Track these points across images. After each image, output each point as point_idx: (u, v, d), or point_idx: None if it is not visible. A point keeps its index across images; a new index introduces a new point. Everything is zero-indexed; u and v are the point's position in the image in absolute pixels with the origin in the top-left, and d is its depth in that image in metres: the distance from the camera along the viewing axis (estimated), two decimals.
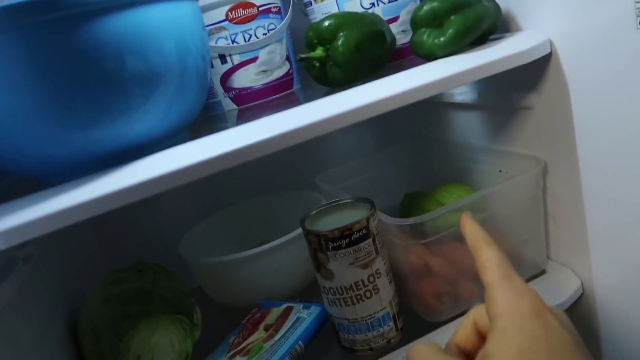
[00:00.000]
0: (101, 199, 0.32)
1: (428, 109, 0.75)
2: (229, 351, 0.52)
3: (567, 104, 0.48)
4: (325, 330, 0.54)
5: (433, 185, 0.66)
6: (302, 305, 0.57)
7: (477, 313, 0.33)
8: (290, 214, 0.76)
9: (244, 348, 0.52)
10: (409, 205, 0.68)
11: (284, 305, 0.58)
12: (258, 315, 0.57)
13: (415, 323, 0.53)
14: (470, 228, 0.35)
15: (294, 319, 0.54)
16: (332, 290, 0.48)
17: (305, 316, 0.54)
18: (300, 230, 0.61)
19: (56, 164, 0.36)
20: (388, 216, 0.51)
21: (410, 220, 0.50)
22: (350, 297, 0.48)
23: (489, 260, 0.32)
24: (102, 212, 0.33)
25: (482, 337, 0.32)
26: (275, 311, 0.57)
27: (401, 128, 0.87)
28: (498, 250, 0.32)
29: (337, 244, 0.46)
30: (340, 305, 0.48)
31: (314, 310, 0.55)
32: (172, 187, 0.34)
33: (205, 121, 0.59)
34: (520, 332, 0.27)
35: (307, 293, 0.63)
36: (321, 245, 0.47)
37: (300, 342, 0.50)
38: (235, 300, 0.65)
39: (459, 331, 0.34)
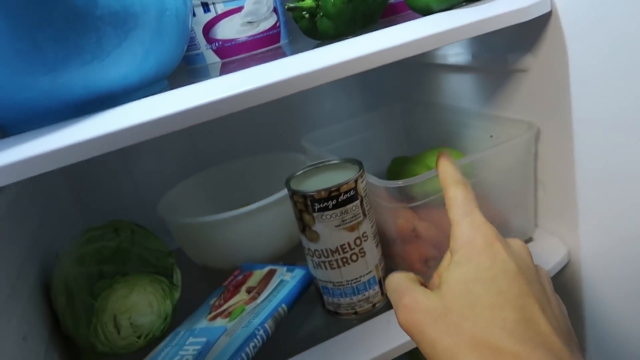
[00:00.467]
0: (71, 147, 0.30)
1: (419, 71, 0.73)
2: (209, 313, 0.51)
3: (565, 67, 0.46)
4: (308, 294, 0.53)
5: (422, 151, 0.65)
6: (285, 268, 0.55)
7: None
8: (273, 176, 0.74)
9: (225, 310, 0.50)
10: (397, 169, 0.66)
11: (267, 268, 0.56)
12: (240, 277, 0.56)
13: None
14: (443, 167, 0.38)
15: (277, 282, 0.53)
16: (317, 252, 0.47)
17: (288, 279, 0.53)
18: (285, 192, 0.60)
19: (21, 110, 0.33)
20: (377, 178, 0.49)
21: (399, 183, 0.48)
22: (336, 260, 0.46)
23: (454, 199, 0.34)
24: (71, 162, 0.30)
25: None
26: (258, 274, 0.56)
27: (391, 91, 0.84)
28: (464, 188, 0.35)
29: (324, 205, 0.44)
30: (325, 268, 0.47)
31: (298, 273, 0.54)
32: (149, 138, 0.32)
33: (186, 74, 0.56)
34: (467, 264, 0.30)
35: (291, 257, 0.62)
36: (307, 206, 0.45)
37: (283, 304, 0.49)
38: (216, 263, 0.63)
39: None
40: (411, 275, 0.34)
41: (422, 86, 0.73)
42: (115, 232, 0.52)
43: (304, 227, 0.47)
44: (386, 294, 0.34)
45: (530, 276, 0.30)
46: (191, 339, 0.47)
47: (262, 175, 0.76)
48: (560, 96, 0.47)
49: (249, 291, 0.53)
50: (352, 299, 0.48)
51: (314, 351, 0.47)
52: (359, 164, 0.48)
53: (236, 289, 0.54)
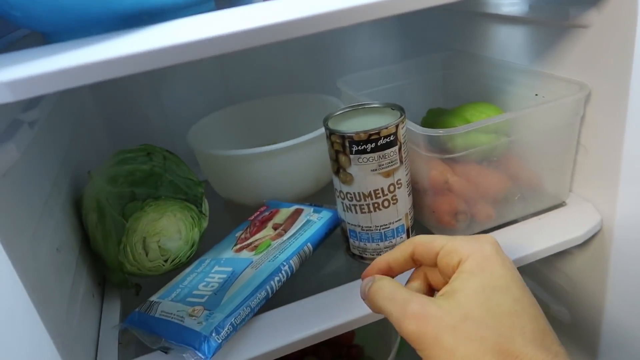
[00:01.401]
0: (123, 59, 0.29)
1: (465, 21, 0.69)
2: (235, 244, 0.51)
3: (632, 26, 0.43)
4: (332, 236, 0.53)
5: (457, 103, 0.63)
6: (312, 209, 0.55)
7: (427, 269, 0.36)
8: (304, 116, 0.73)
9: (251, 243, 0.51)
10: (432, 120, 0.64)
11: (294, 207, 0.56)
12: (267, 213, 0.56)
13: None
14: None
15: (303, 221, 0.53)
16: (349, 195, 0.47)
17: (315, 220, 0.53)
18: (316, 133, 0.59)
19: (68, 17, 0.32)
20: (417, 125, 0.48)
21: (440, 132, 0.47)
22: (368, 205, 0.46)
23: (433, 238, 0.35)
24: (122, 75, 0.29)
25: (430, 287, 0.36)
26: (285, 212, 0.56)
27: (430, 39, 0.81)
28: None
29: (362, 147, 0.43)
30: (356, 212, 0.47)
31: (325, 214, 0.54)
32: (195, 59, 0.31)
33: None
34: (482, 272, 0.30)
35: (316, 199, 0.61)
36: (344, 147, 0.44)
37: (309, 243, 0.50)
38: (242, 198, 0.64)
39: (396, 254, 0.36)
40: (397, 283, 0.33)
41: (467, 37, 0.70)
42: (148, 156, 0.51)
43: (339, 169, 0.46)
44: (372, 303, 0.33)
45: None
46: (217, 268, 0.48)
47: (292, 115, 0.75)
48: (621, 57, 0.45)
49: (275, 227, 0.53)
50: (378, 244, 0.48)
51: (336, 291, 0.47)
52: (401, 110, 0.47)
53: (262, 225, 0.54)
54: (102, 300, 0.51)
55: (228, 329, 0.41)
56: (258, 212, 0.57)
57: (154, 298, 0.46)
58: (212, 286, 0.45)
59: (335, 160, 0.46)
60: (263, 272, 0.46)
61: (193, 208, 0.50)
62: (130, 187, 0.48)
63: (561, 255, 0.58)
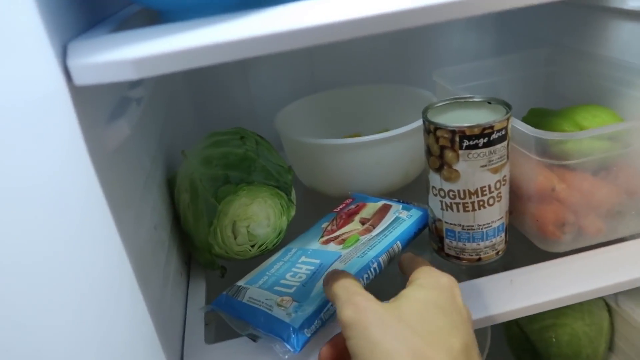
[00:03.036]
0: (248, 40, 0.28)
1: (577, 14, 0.64)
2: (322, 236, 0.50)
3: None
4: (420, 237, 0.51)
5: (562, 105, 0.58)
6: (401, 206, 0.53)
7: None
8: (392, 109, 0.71)
9: (338, 236, 0.49)
10: (535, 121, 0.59)
11: (381, 202, 0.54)
12: (353, 206, 0.55)
13: (524, 248, 0.49)
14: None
15: (392, 218, 0.51)
16: (451, 193, 0.44)
17: (404, 217, 0.51)
18: (410, 127, 0.56)
19: None
20: (529, 127, 0.44)
21: (556, 136, 0.43)
22: (472, 203, 0.43)
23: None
24: (245, 56, 0.28)
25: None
26: (372, 206, 0.54)
27: (531, 33, 0.76)
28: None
29: (474, 142, 0.41)
30: (457, 211, 0.44)
31: (415, 213, 0.51)
32: (316, 43, 0.29)
33: None
34: (431, 290, 0.33)
35: (402, 195, 0.59)
36: (453, 142, 0.42)
37: (398, 242, 0.48)
38: (326, 188, 0.62)
39: None
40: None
41: (577, 32, 0.65)
42: (242, 140, 0.51)
43: (442, 165, 0.43)
44: (328, 286, 0.35)
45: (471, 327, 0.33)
46: (304, 258, 0.47)
47: (379, 106, 0.72)
48: None
49: (362, 222, 0.51)
50: (479, 244, 0.46)
51: None
52: (506, 105, 0.44)
53: (349, 218, 0.52)
54: (188, 280, 0.52)
55: (317, 323, 0.40)
56: (344, 205, 0.56)
57: (241, 283, 0.45)
58: (300, 277, 0.44)
59: (439, 156, 0.43)
60: (351, 268, 0.44)
61: (283, 195, 0.50)
62: (224, 169, 0.48)
63: None
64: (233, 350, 0.42)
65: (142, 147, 0.45)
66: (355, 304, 0.32)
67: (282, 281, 0.44)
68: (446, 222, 0.46)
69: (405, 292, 0.33)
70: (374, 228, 0.50)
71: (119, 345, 0.30)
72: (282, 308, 0.41)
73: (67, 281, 0.25)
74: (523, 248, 0.50)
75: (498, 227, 0.45)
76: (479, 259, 0.46)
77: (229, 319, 0.43)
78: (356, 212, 0.53)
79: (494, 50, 0.83)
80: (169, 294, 0.42)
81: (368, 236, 0.49)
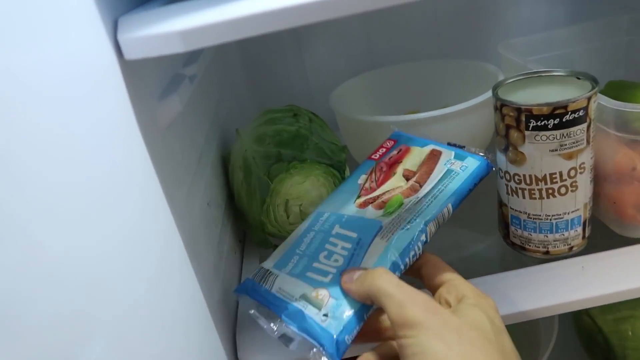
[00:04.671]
0: (297, 7, 0.26)
1: None
2: (358, 196, 0.42)
3: None
4: (486, 220, 0.48)
5: None
6: (453, 153, 0.43)
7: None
8: (454, 84, 0.67)
9: (378, 197, 0.41)
10: (612, 95, 0.54)
11: (430, 147, 0.44)
12: (394, 152, 0.45)
13: (600, 234, 0.45)
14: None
15: (443, 172, 0.41)
16: (516, 177, 0.41)
17: (458, 170, 0.41)
18: (470, 103, 0.53)
19: None
20: (608, 98, 0.40)
21: (639, 107, 0.38)
22: (540, 190, 0.40)
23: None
24: (294, 25, 0.27)
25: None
26: (418, 152, 0.44)
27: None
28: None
29: (543, 123, 0.37)
30: (523, 197, 0.41)
31: (470, 162, 0.41)
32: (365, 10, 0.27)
33: None
34: (486, 310, 0.31)
35: None
36: (519, 122, 0.38)
37: (450, 204, 0.39)
38: None
39: None
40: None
41: None
42: (295, 118, 0.50)
43: (507, 146, 0.40)
44: (366, 282, 0.33)
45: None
46: (338, 229, 0.39)
47: (441, 82, 0.69)
48: None
49: (407, 177, 0.42)
50: (547, 236, 0.42)
51: (485, 281, 0.42)
52: (593, 80, 0.39)
53: (391, 169, 0.43)
54: (242, 258, 0.52)
55: (359, 328, 0.34)
56: (384, 149, 0.46)
57: (269, 265, 0.39)
58: (336, 260, 0.37)
59: (505, 136, 0.40)
60: (396, 247, 0.36)
61: (336, 174, 0.48)
62: (276, 147, 0.47)
63: None
64: None
65: (196, 125, 0.45)
66: (424, 304, 0.29)
67: (315, 264, 0.37)
68: (511, 208, 0.43)
69: (462, 309, 0.31)
70: (420, 187, 0.41)
71: (169, 321, 0.30)
72: (319, 307, 0.34)
73: (117, 254, 0.25)
74: (597, 234, 0.46)
75: (572, 219, 0.41)
76: (547, 252, 0.43)
77: (256, 305, 0.37)
78: (399, 161, 0.44)
79: (567, 18, 0.76)
80: (222, 272, 0.43)
81: (414, 199, 0.40)
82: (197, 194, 0.40)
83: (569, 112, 0.37)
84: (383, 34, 0.76)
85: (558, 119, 0.37)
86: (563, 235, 0.41)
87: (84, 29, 0.27)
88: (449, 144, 0.45)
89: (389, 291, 0.30)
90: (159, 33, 0.27)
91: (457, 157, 0.43)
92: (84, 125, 0.25)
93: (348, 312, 0.34)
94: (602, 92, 0.56)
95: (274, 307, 0.36)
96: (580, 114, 0.37)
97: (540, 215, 0.41)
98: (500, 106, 0.39)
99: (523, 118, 0.38)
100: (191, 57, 0.46)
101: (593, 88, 0.38)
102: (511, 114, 0.38)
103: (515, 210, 0.42)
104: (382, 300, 0.31)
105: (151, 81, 0.35)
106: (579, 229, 0.42)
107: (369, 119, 0.55)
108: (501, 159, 0.42)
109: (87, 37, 0.27)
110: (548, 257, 0.43)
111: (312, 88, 0.77)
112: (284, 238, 0.49)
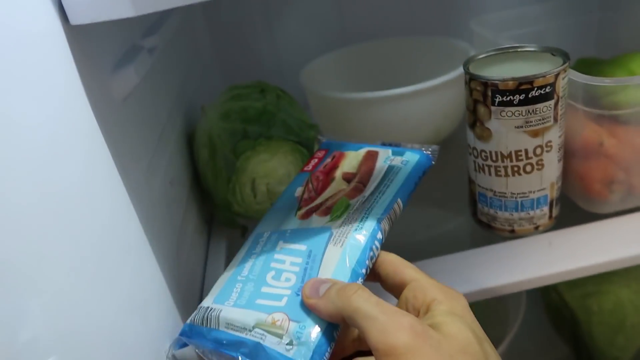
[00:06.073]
0: None
1: None
2: (298, 208, 0.37)
3: None
4: (455, 199, 0.48)
5: (621, 53, 0.52)
6: (390, 150, 0.40)
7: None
8: (426, 61, 0.67)
9: (321, 204, 0.37)
10: (584, 72, 0.54)
11: (364, 149, 0.41)
12: (329, 159, 0.42)
13: (567, 210, 0.45)
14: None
15: (384, 169, 0.38)
16: (483, 154, 0.40)
17: (399, 165, 0.38)
18: (442, 79, 0.52)
19: None
20: (574, 71, 0.40)
21: (607, 81, 0.38)
22: (505, 167, 0.39)
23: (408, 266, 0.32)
24: None
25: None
26: (353, 155, 0.41)
27: None
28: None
29: (508, 98, 0.37)
30: (489, 174, 0.41)
31: (410, 157, 0.39)
32: None
33: None
34: (463, 316, 0.28)
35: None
36: (485, 97, 0.38)
37: (399, 199, 0.35)
38: None
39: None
40: None
41: None
42: (262, 94, 0.48)
43: (475, 122, 0.40)
44: (337, 300, 0.28)
45: None
46: (283, 245, 0.34)
47: (413, 59, 0.68)
48: None
49: (347, 179, 0.39)
50: (512, 214, 0.42)
51: (453, 258, 0.42)
52: (564, 55, 0.39)
53: (328, 176, 0.40)
54: (209, 238, 0.51)
55: (331, 348, 0.29)
56: (316, 159, 0.42)
57: (208, 303, 0.32)
58: (288, 279, 0.32)
59: (473, 111, 0.39)
60: (353, 251, 0.32)
61: (304, 152, 0.47)
62: (242, 124, 0.46)
63: None
64: None
65: (157, 99, 0.43)
66: (411, 328, 0.26)
67: (264, 289, 0.32)
68: (479, 185, 0.42)
69: (444, 327, 0.27)
70: (364, 186, 0.37)
71: (125, 302, 0.29)
72: (279, 335, 0.29)
73: (65, 230, 0.24)
74: (564, 210, 0.46)
75: (538, 199, 0.41)
76: (513, 231, 0.43)
77: (205, 353, 0.30)
78: (335, 167, 0.40)
79: None
80: (185, 252, 0.41)
81: (361, 198, 0.36)
82: (157, 171, 0.39)
83: (535, 88, 0.36)
84: (355, 10, 0.74)
85: (524, 95, 0.36)
86: (528, 214, 0.41)
87: None
88: (382, 143, 0.42)
89: (370, 313, 0.26)
90: None
91: (395, 153, 0.40)
92: (24, 96, 0.23)
93: (315, 334, 0.29)
94: (573, 69, 0.57)
95: (226, 348, 0.30)
96: (547, 90, 0.36)
97: (505, 193, 0.41)
98: (469, 80, 0.39)
99: (489, 93, 0.37)
100: (151, 28, 0.43)
101: (563, 64, 0.37)
102: (478, 88, 0.38)
103: (482, 187, 0.42)
104: (360, 323, 0.27)
105: (104, 51, 0.33)
106: (545, 209, 0.41)
107: (339, 95, 0.54)
108: (470, 134, 0.41)
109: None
110: (514, 235, 0.43)
111: (283, 65, 0.76)
112: (251, 218, 0.48)
